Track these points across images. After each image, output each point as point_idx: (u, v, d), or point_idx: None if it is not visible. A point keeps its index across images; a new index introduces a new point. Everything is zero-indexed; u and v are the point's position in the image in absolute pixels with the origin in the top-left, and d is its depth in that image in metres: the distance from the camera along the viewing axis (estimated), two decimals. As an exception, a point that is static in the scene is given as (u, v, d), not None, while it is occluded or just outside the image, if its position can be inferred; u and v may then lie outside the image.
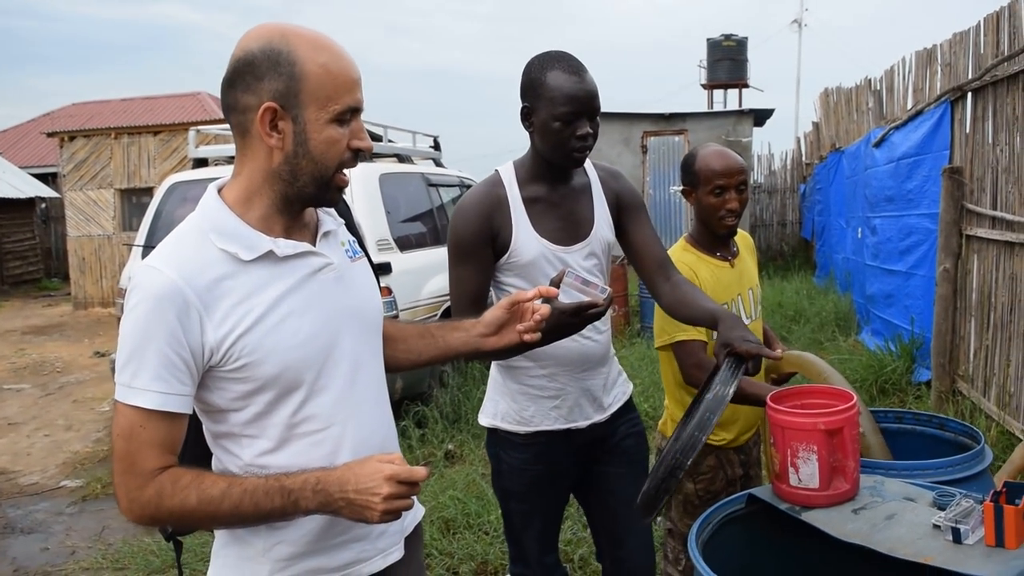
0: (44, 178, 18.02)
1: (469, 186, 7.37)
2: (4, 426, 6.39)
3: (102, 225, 13.32)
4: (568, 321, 1.59)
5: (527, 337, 1.51)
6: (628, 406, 2.23)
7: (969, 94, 4.93)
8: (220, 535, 1.40)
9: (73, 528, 4.29)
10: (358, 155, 1.33)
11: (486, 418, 2.17)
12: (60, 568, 3.79)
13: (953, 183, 4.93)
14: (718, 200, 2.20)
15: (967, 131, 4.98)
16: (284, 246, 1.31)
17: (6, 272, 16.60)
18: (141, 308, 1.21)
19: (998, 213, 4.43)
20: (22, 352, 9.67)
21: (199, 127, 6.35)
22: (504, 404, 2.11)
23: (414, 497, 1.58)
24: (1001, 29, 4.38)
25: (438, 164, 7.24)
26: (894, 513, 1.48)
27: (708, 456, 2.24)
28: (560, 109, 1.88)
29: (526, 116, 1.98)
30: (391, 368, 1.59)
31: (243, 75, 1.25)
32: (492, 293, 2.09)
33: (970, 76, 4.84)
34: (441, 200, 6.49)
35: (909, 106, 6.37)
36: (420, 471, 1.25)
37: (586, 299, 1.58)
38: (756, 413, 2.28)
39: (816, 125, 12.01)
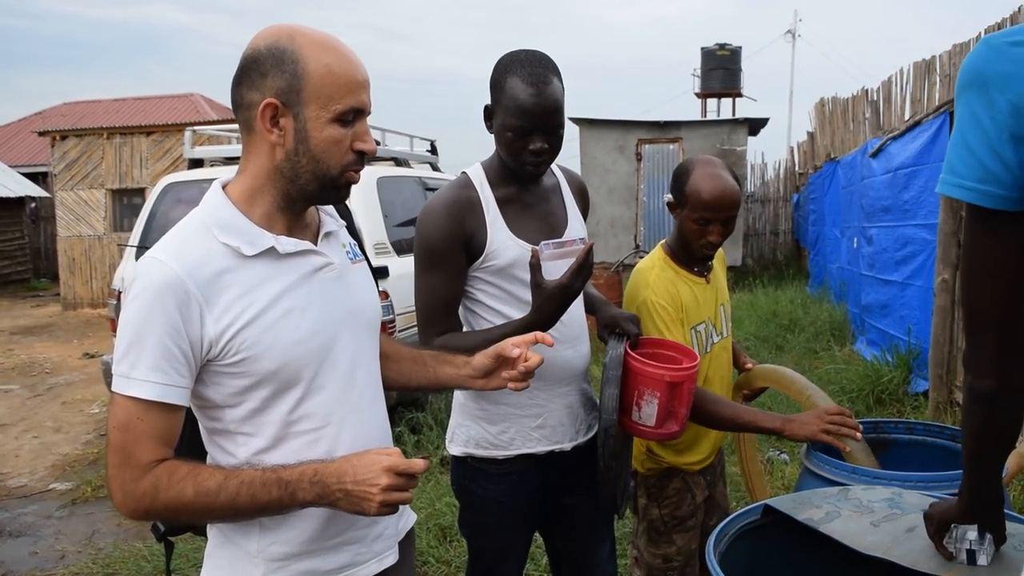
0: (35, 177, 17.90)
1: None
2: (-8, 427, 6.31)
3: (92, 225, 13.22)
4: (573, 287, 1.72)
5: (511, 386, 1.52)
6: None
7: (969, 105, 4.92)
8: (213, 536, 1.38)
9: (62, 532, 4.23)
10: (363, 157, 1.32)
11: (456, 446, 1.98)
12: (49, 572, 3.73)
13: (952, 194, 4.92)
14: (700, 229, 2.02)
15: (966, 142, 4.98)
16: (286, 243, 1.31)
17: (-6, 272, 16.48)
18: (142, 298, 1.20)
19: (998, 224, 4.42)
20: (10, 352, 9.57)
21: (195, 127, 6.29)
22: (477, 429, 1.93)
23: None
24: (1002, 41, 4.39)
25: (435, 168, 7.21)
26: (914, 526, 1.45)
27: (674, 479, 2.15)
28: (512, 120, 1.76)
29: (488, 116, 1.86)
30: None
31: (249, 72, 1.26)
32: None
33: (970, 87, 4.84)
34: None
35: (907, 117, 6.38)
36: (418, 463, 1.24)
37: (573, 258, 1.73)
38: (720, 436, 2.22)
39: (811, 135, 12.05)
